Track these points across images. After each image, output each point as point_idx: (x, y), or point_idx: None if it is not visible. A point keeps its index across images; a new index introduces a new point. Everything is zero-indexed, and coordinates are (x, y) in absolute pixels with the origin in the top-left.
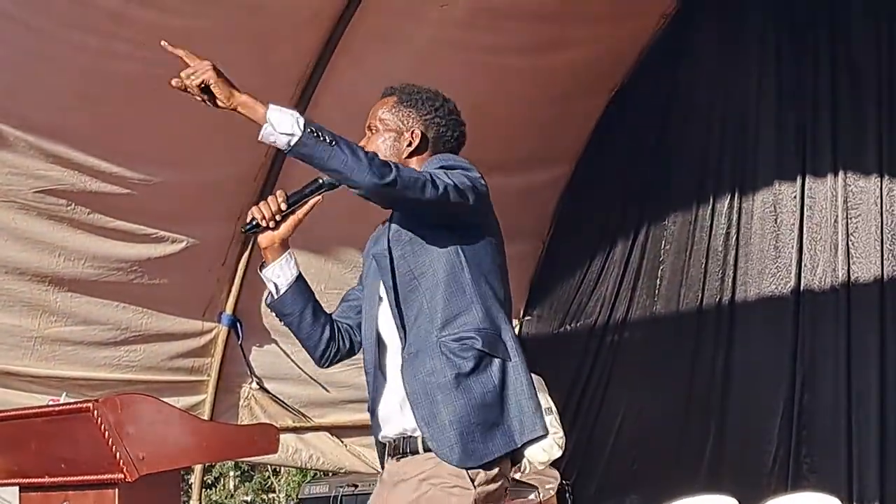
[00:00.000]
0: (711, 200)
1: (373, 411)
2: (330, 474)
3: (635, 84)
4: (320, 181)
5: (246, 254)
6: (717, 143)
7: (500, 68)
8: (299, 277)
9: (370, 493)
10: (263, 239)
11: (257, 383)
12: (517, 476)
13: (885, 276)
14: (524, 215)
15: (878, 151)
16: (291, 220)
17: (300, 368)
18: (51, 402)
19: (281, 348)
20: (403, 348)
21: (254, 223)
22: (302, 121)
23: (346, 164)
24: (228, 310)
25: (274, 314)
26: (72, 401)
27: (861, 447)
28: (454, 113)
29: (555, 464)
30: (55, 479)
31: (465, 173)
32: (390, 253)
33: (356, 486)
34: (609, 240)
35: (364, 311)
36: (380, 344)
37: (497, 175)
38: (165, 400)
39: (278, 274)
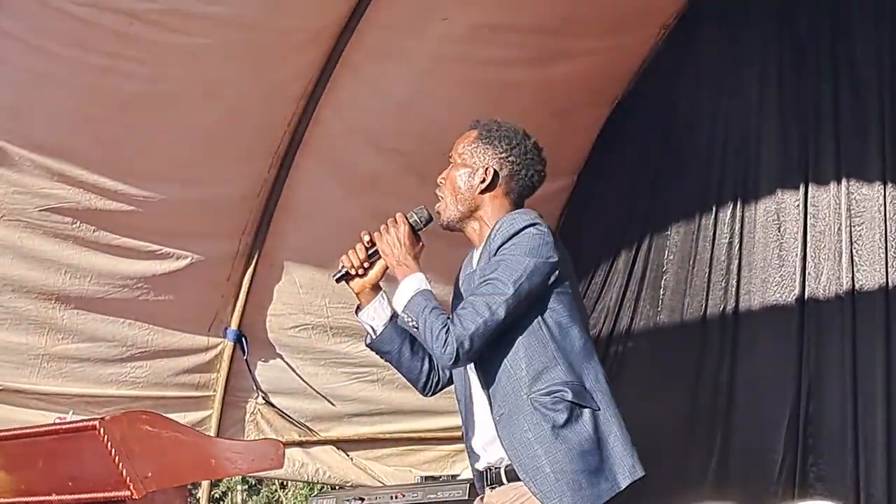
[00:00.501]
0: (714, 210)
1: (468, 441)
2: (336, 487)
3: (637, 96)
4: None
5: (251, 269)
6: (720, 152)
7: (500, 82)
8: (394, 316)
9: None
10: (355, 285)
11: (263, 398)
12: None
13: (889, 284)
14: None
15: (881, 160)
16: (380, 265)
17: (305, 382)
18: (58, 420)
19: (286, 363)
20: (492, 408)
21: (343, 271)
22: (392, 311)
23: (427, 343)
24: (234, 325)
25: (374, 353)
26: (78, 419)
27: (868, 455)
28: (531, 152)
29: None
30: (62, 498)
31: (524, 278)
32: None
33: (363, 500)
34: (612, 250)
35: None
36: (468, 376)
37: None
38: (172, 416)
39: (373, 316)
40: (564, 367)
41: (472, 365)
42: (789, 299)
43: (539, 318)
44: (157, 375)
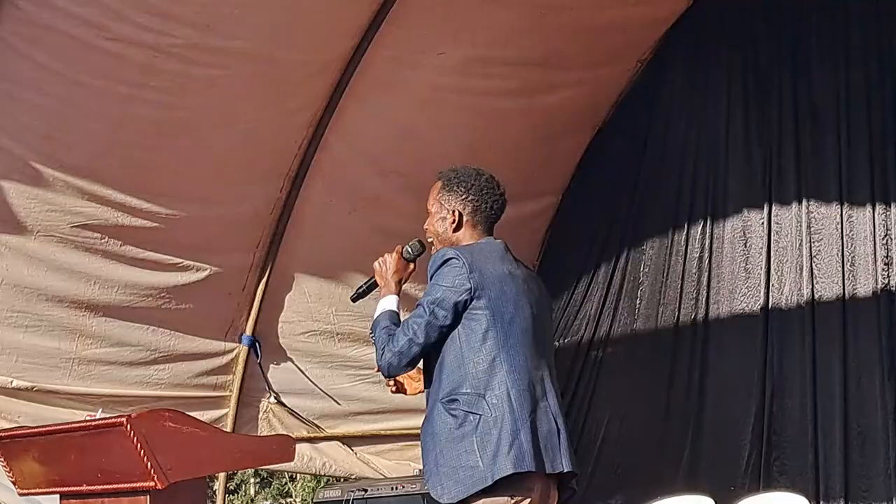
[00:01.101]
0: (686, 227)
1: None
2: (342, 480)
3: (616, 123)
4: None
5: (264, 280)
6: (691, 175)
7: (492, 111)
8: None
9: (378, 497)
10: None
11: (275, 398)
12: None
13: (846, 295)
14: (516, 242)
15: (837, 181)
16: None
17: (314, 384)
18: (88, 418)
19: (296, 365)
20: None
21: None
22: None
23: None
24: (248, 331)
25: None
26: (107, 416)
27: (826, 450)
28: (486, 187)
29: None
30: (92, 488)
31: (433, 299)
32: None
33: (366, 491)
34: (593, 264)
35: None
36: None
37: None
38: (191, 414)
39: None
40: (469, 381)
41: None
42: (755, 308)
43: (458, 337)
44: (177, 377)
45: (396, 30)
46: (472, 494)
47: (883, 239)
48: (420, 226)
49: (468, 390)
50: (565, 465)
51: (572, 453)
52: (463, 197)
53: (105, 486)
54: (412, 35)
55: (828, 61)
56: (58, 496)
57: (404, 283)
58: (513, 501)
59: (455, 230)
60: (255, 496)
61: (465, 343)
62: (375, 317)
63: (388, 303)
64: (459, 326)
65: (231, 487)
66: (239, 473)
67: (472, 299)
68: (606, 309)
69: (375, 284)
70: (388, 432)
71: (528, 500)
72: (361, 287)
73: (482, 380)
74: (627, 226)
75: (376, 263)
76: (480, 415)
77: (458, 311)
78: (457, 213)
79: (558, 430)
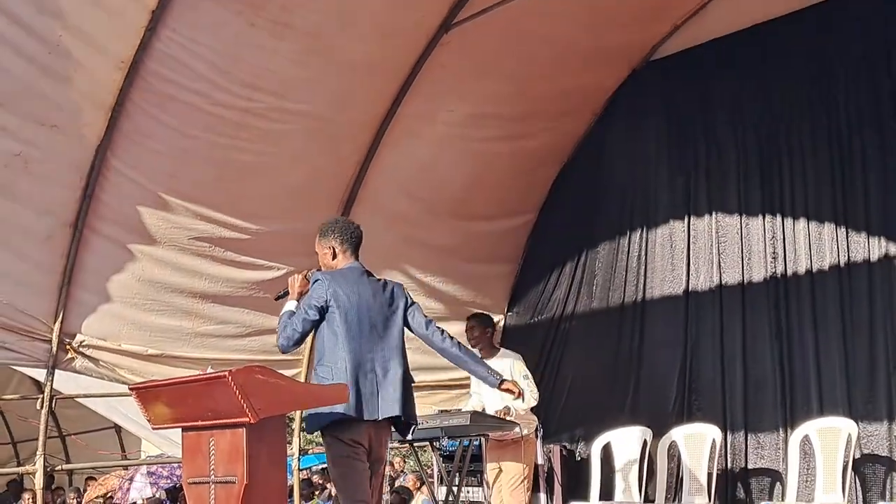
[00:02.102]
0: (628, 234)
1: None
2: None
3: (576, 160)
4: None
5: None
6: (632, 196)
7: (488, 152)
8: None
9: None
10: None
11: None
12: (508, 418)
13: (744, 281)
14: (504, 247)
15: (737, 198)
16: None
17: None
18: (201, 373)
19: None
20: None
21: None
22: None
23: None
24: None
25: None
26: (214, 371)
27: (730, 393)
28: (345, 224)
29: (533, 411)
30: (205, 423)
31: (308, 304)
32: None
33: None
34: (561, 261)
35: None
36: None
37: (485, 221)
38: None
39: None
40: (326, 356)
41: None
42: (678, 292)
43: (323, 328)
44: (265, 346)
45: (417, 95)
46: (322, 428)
47: (771, 240)
48: (434, 235)
49: (325, 363)
50: (381, 415)
51: (396, 407)
52: (332, 235)
53: (214, 422)
54: (429, 99)
55: (728, 114)
56: (180, 429)
57: (304, 294)
58: (349, 435)
59: (333, 259)
60: None
61: (326, 332)
62: (281, 313)
63: (290, 305)
64: (324, 322)
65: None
66: None
67: (328, 306)
68: (571, 293)
69: (287, 293)
70: (416, 383)
71: (359, 435)
72: (280, 293)
73: (331, 356)
74: (585, 233)
75: (290, 279)
76: (329, 378)
77: (322, 312)
78: (332, 248)
79: (378, 392)
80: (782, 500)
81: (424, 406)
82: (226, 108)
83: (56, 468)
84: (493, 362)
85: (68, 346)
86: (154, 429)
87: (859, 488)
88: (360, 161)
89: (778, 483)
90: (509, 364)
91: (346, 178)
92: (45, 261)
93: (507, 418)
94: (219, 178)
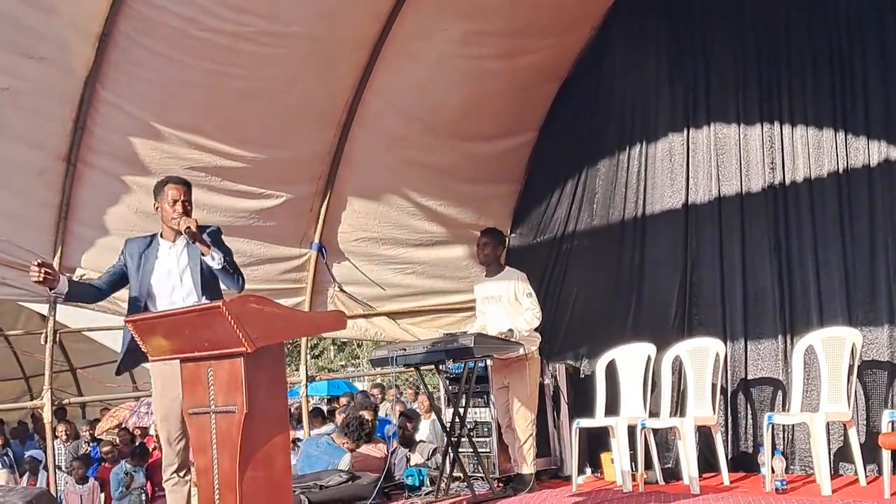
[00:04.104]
0: (627, 150)
1: None
2: (389, 343)
3: (576, 75)
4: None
5: (325, 202)
6: (631, 110)
7: (484, 70)
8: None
9: (414, 354)
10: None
11: (338, 287)
12: (523, 334)
13: (743, 192)
14: (507, 167)
15: (736, 111)
16: None
17: (365, 276)
18: (195, 304)
19: (352, 263)
20: None
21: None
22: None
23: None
24: (316, 239)
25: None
26: (209, 302)
27: (731, 306)
28: (156, 185)
29: (537, 330)
30: (202, 353)
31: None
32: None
33: (405, 349)
34: (561, 179)
35: None
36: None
37: (486, 141)
38: (278, 300)
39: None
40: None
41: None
42: (678, 205)
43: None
44: (268, 275)
45: (412, 12)
46: None
47: (769, 149)
48: (435, 156)
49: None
50: None
51: None
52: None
53: (211, 352)
54: (424, 16)
55: (728, 26)
56: (178, 361)
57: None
58: None
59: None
60: (334, 358)
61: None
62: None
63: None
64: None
65: (315, 354)
66: (321, 341)
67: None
68: (573, 212)
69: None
70: (421, 308)
71: None
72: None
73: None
74: (586, 151)
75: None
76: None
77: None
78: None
79: None
80: (786, 409)
81: (430, 329)
82: (215, 32)
83: (64, 401)
84: (498, 280)
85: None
86: (152, 360)
87: (862, 396)
88: (356, 83)
89: (779, 393)
90: (513, 282)
91: (342, 100)
92: (40, 196)
93: (511, 339)
94: (211, 106)
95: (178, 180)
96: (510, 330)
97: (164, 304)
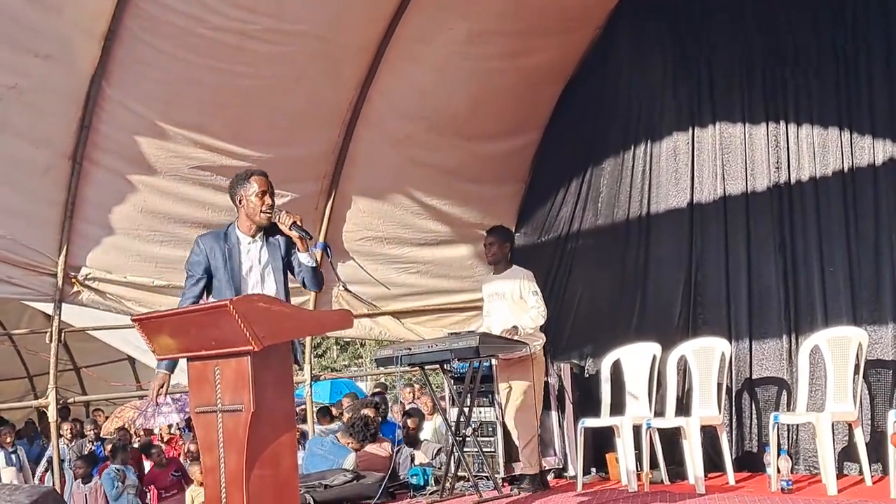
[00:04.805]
0: (632, 148)
1: None
2: (393, 342)
3: (581, 75)
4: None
5: (330, 201)
6: (636, 110)
7: (489, 70)
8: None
9: (418, 353)
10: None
11: (343, 286)
12: (516, 337)
13: (748, 191)
14: (511, 166)
15: (741, 110)
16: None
17: (370, 275)
18: (202, 303)
19: (357, 263)
20: None
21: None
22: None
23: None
24: (321, 238)
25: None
26: (216, 301)
27: (735, 305)
28: (238, 177)
29: (542, 329)
30: (209, 352)
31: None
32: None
33: (410, 348)
34: (567, 179)
35: None
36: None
37: (491, 141)
38: None
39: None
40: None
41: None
42: (683, 205)
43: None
44: None
45: (416, 14)
46: None
47: (774, 149)
48: (439, 156)
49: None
50: None
51: None
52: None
53: (218, 351)
54: (428, 16)
55: (733, 24)
56: (185, 359)
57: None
58: None
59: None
60: (337, 357)
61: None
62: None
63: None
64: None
65: (318, 353)
66: (324, 341)
67: (201, 261)
68: (577, 212)
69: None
70: (426, 307)
71: None
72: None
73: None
74: (590, 150)
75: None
76: None
77: (205, 267)
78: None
79: None
80: (790, 409)
81: (435, 329)
82: (221, 31)
83: (69, 401)
84: (505, 278)
85: (74, 280)
86: (159, 359)
87: (866, 396)
88: (361, 82)
89: (784, 392)
90: (519, 280)
91: (347, 100)
92: (46, 194)
93: (515, 337)
94: (217, 105)
95: (261, 172)
96: (514, 327)
97: None
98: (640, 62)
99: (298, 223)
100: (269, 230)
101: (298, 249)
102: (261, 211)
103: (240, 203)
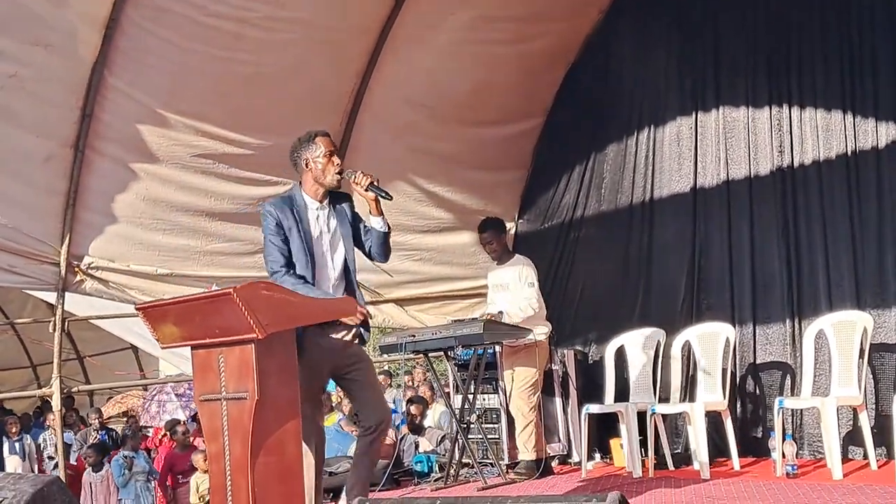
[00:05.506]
0: (636, 134)
1: None
2: (397, 329)
3: (583, 60)
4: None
5: None
6: (639, 94)
7: (492, 55)
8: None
9: (422, 340)
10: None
11: None
12: (514, 322)
13: (751, 176)
14: (514, 153)
15: (745, 94)
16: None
17: (373, 262)
18: (206, 290)
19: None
20: None
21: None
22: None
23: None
24: None
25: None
26: (219, 288)
27: (739, 291)
28: (301, 140)
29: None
30: (213, 340)
31: (268, 236)
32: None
33: (413, 336)
34: (570, 165)
35: None
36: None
37: (493, 127)
38: None
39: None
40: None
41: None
42: (686, 190)
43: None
44: None
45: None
46: None
47: (777, 133)
48: (441, 143)
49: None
50: None
51: None
52: (295, 156)
53: (222, 339)
54: (430, 2)
55: (736, 7)
56: (189, 347)
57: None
58: None
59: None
60: None
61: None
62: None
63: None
64: (288, 239)
65: None
66: None
67: (279, 225)
68: (581, 198)
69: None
70: (429, 295)
71: None
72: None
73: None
74: (593, 136)
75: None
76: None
77: (280, 232)
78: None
79: None
80: (794, 394)
81: (438, 316)
82: (221, 18)
83: (73, 390)
84: (507, 267)
85: (77, 269)
86: (163, 348)
87: (871, 380)
88: (363, 70)
89: (787, 377)
90: (518, 269)
91: (349, 87)
92: (47, 183)
93: (514, 322)
94: (218, 93)
95: (325, 132)
96: (500, 312)
97: (322, 271)
98: (643, 47)
99: (376, 183)
100: (334, 197)
101: (371, 213)
102: (333, 172)
103: (306, 166)
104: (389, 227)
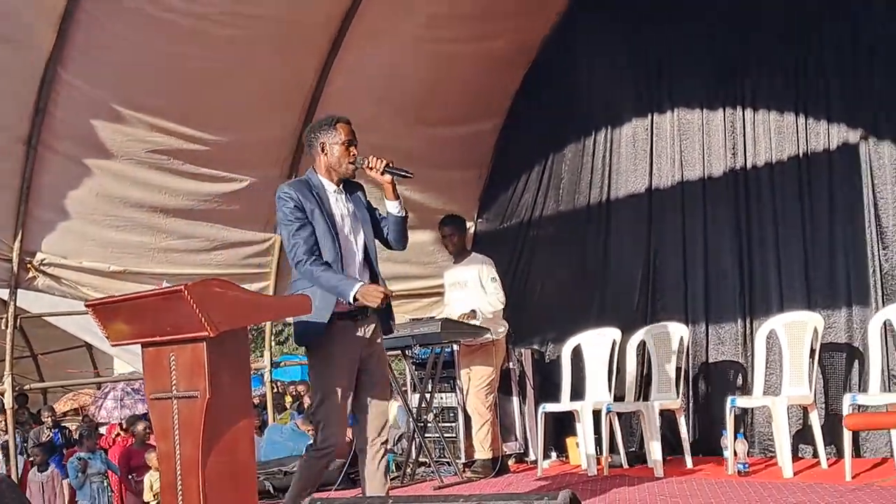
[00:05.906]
0: (593, 134)
1: None
2: None
3: (541, 60)
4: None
5: None
6: (596, 96)
7: (451, 53)
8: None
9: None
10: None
11: None
12: (473, 321)
13: (705, 177)
14: (473, 152)
15: (699, 96)
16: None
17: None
18: (157, 288)
19: None
20: None
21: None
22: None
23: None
24: None
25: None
26: (171, 285)
27: (693, 290)
28: (320, 123)
29: (503, 315)
30: (164, 338)
31: (284, 222)
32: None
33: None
34: (528, 165)
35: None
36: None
37: (453, 126)
38: (242, 285)
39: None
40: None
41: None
42: (641, 190)
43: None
44: (230, 259)
45: None
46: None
47: (731, 135)
48: (401, 141)
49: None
50: None
51: None
52: (311, 137)
53: (173, 336)
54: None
55: (690, 9)
56: (140, 345)
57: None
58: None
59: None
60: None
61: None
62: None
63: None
64: (311, 223)
65: (280, 341)
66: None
67: (300, 209)
68: (539, 198)
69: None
70: (404, 292)
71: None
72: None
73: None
74: (551, 136)
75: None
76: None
77: (301, 216)
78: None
79: None
80: (746, 393)
81: (397, 315)
82: (177, 14)
83: (25, 387)
84: (465, 265)
85: (29, 265)
86: (113, 345)
87: (821, 380)
88: (321, 66)
89: (740, 376)
90: (479, 266)
91: (307, 84)
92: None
93: (472, 322)
94: (173, 89)
95: (346, 119)
96: (472, 311)
97: (348, 256)
98: (599, 48)
99: (391, 165)
100: (348, 185)
101: (387, 197)
102: (347, 162)
103: (322, 150)
104: (407, 212)
